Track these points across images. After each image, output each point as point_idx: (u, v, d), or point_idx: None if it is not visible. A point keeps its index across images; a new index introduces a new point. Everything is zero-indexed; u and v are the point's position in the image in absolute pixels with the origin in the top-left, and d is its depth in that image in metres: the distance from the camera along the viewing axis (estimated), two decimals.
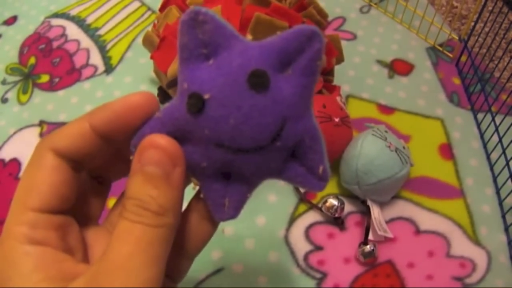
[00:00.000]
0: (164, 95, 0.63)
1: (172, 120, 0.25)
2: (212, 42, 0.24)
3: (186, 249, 0.29)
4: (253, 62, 0.23)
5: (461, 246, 0.55)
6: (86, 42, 0.78)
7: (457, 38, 0.71)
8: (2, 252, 0.23)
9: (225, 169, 0.26)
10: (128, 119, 0.25)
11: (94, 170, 0.29)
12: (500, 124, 0.60)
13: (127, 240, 0.22)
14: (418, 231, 0.56)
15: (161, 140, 0.24)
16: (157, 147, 0.24)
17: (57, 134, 0.25)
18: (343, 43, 0.63)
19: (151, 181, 0.24)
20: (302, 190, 0.58)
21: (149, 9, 0.82)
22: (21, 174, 0.63)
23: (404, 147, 0.56)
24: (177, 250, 0.28)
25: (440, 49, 0.73)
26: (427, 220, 0.57)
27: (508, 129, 0.58)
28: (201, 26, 0.23)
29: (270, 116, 0.23)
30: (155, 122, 0.26)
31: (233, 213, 0.27)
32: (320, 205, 0.56)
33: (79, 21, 0.81)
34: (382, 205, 0.57)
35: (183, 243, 0.28)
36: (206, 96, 0.23)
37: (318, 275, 0.53)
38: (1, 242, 0.24)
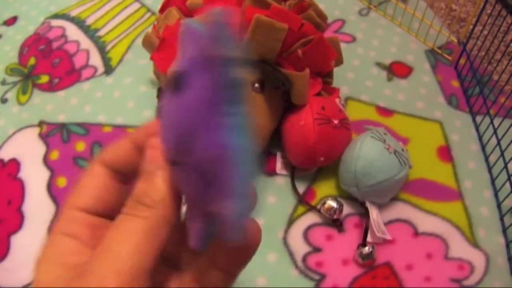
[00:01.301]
0: None
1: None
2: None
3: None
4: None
5: (459, 248, 0.55)
6: (86, 43, 0.78)
7: (456, 41, 0.72)
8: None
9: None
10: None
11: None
12: (498, 126, 0.60)
13: (117, 229, 0.24)
14: (416, 233, 0.56)
15: (153, 142, 0.26)
16: (149, 147, 0.26)
17: (107, 150, 0.28)
18: (342, 45, 0.63)
19: (144, 178, 0.25)
20: (301, 191, 0.59)
21: (149, 10, 0.83)
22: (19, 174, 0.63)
23: (403, 149, 0.56)
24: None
25: (439, 51, 0.74)
26: (425, 222, 0.57)
27: (506, 131, 0.58)
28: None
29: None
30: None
31: (197, 245, 0.25)
32: (318, 207, 0.56)
33: (79, 22, 0.81)
34: (380, 207, 0.57)
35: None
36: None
37: (317, 277, 0.53)
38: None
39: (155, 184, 0.25)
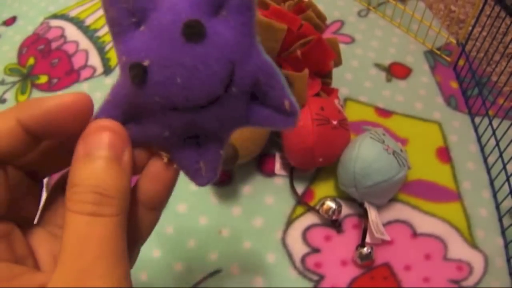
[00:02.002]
0: None
1: (121, 98, 0.24)
2: (138, 8, 0.22)
3: (146, 199, 0.26)
4: (183, 14, 0.22)
5: (458, 249, 0.55)
6: (85, 43, 0.78)
7: (455, 42, 0.72)
8: None
9: (189, 133, 0.25)
10: (60, 120, 0.23)
11: (25, 166, 0.26)
12: (497, 127, 0.60)
13: (87, 242, 0.21)
14: (415, 234, 0.56)
15: (108, 123, 0.23)
16: (106, 129, 0.23)
17: None
18: (341, 46, 0.63)
19: (102, 164, 0.22)
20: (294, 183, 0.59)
21: None
22: None
23: (401, 150, 0.56)
24: (138, 202, 0.26)
25: (438, 53, 0.74)
26: (424, 223, 0.57)
27: (505, 132, 0.58)
28: None
29: (216, 63, 0.22)
30: (106, 106, 0.24)
31: (212, 175, 0.26)
32: (317, 208, 0.56)
33: (78, 22, 0.81)
34: (379, 208, 0.57)
35: (143, 191, 0.26)
36: (145, 63, 0.22)
37: (315, 278, 0.53)
38: None
39: (119, 174, 0.22)
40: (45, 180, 0.28)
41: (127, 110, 0.24)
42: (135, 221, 0.25)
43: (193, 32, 0.22)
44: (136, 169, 0.26)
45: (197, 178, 0.26)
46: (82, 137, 0.23)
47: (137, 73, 0.22)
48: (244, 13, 0.23)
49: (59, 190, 0.27)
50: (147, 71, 0.22)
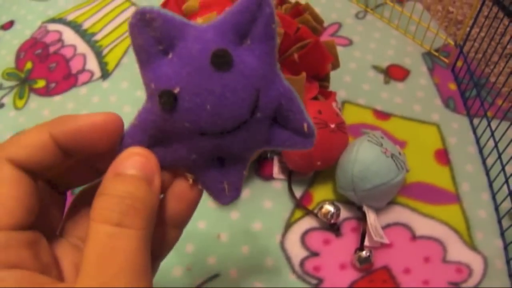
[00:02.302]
0: None
1: (150, 124, 0.25)
2: (165, 37, 0.23)
3: (170, 217, 0.27)
4: (211, 43, 0.23)
5: (457, 251, 0.55)
6: (82, 47, 0.78)
7: (452, 43, 0.72)
8: None
9: (216, 155, 0.26)
10: (90, 138, 0.24)
11: (51, 178, 0.27)
12: (496, 129, 0.60)
13: (111, 254, 0.21)
14: (414, 237, 0.56)
15: (139, 150, 0.24)
16: (138, 155, 0.24)
17: (14, 143, 0.24)
18: (339, 48, 0.63)
19: (133, 181, 0.23)
20: (298, 194, 0.59)
21: None
22: None
23: (400, 153, 0.56)
24: (162, 221, 0.27)
25: (436, 54, 0.74)
26: (423, 226, 0.57)
27: (504, 134, 0.58)
28: (150, 24, 0.23)
29: (243, 90, 0.23)
30: (134, 130, 0.25)
31: (235, 194, 0.28)
32: (316, 211, 0.56)
33: (76, 26, 0.81)
34: (378, 211, 0.57)
35: (167, 210, 0.27)
36: (176, 90, 0.23)
37: (314, 281, 0.53)
38: None
39: (147, 193, 0.23)
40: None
41: (154, 134, 0.25)
42: (158, 238, 0.26)
43: (222, 61, 0.23)
44: (161, 189, 0.26)
45: (220, 197, 0.27)
46: (116, 160, 0.24)
47: (167, 100, 0.23)
48: (267, 42, 0.24)
49: (80, 202, 0.29)
50: (177, 98, 0.23)
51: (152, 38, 0.23)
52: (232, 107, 0.23)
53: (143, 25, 0.23)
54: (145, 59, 0.24)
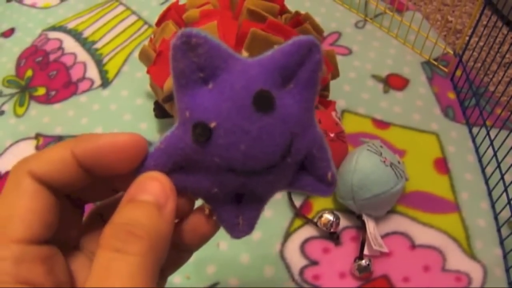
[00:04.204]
0: (160, 109, 0.63)
1: (177, 151, 0.24)
2: (208, 65, 0.23)
3: (184, 245, 0.28)
4: (255, 82, 0.22)
5: (457, 260, 0.55)
6: (82, 55, 0.78)
7: (452, 52, 0.72)
8: None
9: (236, 191, 0.26)
10: (112, 158, 0.24)
11: (72, 194, 0.27)
12: (495, 138, 0.60)
13: (108, 277, 0.21)
14: (413, 246, 0.56)
15: (157, 175, 0.24)
16: (153, 180, 0.24)
17: (37, 158, 0.23)
18: (339, 58, 0.63)
19: (143, 207, 0.23)
20: (299, 200, 0.59)
21: (145, 23, 0.83)
22: None
23: (399, 162, 0.56)
24: (175, 246, 0.27)
25: (435, 63, 0.74)
26: (422, 235, 0.57)
27: (502, 142, 0.58)
28: (195, 49, 0.22)
29: (279, 135, 0.23)
30: (159, 153, 0.25)
31: (248, 230, 0.27)
32: (315, 220, 0.56)
33: (76, 35, 0.82)
34: (377, 219, 0.57)
35: (182, 238, 0.27)
36: (212, 125, 0.22)
37: None
38: None
39: (156, 220, 0.23)
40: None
41: (179, 161, 0.25)
42: (168, 259, 0.26)
43: (264, 103, 0.22)
44: (179, 217, 0.27)
45: (233, 232, 0.27)
46: (132, 185, 0.24)
47: (202, 133, 0.23)
48: (310, 89, 0.24)
49: (95, 217, 0.29)
50: (212, 132, 0.22)
51: (195, 64, 0.23)
52: (265, 150, 0.23)
53: (187, 49, 0.22)
54: (184, 84, 0.23)
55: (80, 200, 0.28)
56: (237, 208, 0.26)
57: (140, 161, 0.25)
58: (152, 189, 0.23)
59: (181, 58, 0.23)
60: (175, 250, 0.27)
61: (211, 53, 0.23)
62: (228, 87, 0.23)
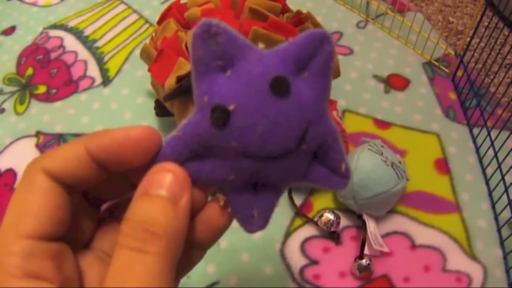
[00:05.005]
0: (161, 108, 0.63)
1: (194, 137, 0.24)
2: (226, 53, 0.23)
3: (197, 241, 0.27)
4: (272, 69, 0.23)
5: (457, 260, 0.55)
6: (83, 53, 0.78)
7: (453, 53, 0.72)
8: None
9: (252, 179, 0.26)
10: (126, 152, 0.24)
11: (86, 192, 0.27)
12: (495, 138, 0.60)
13: (127, 277, 0.21)
14: (414, 246, 0.56)
15: (171, 167, 0.24)
16: (168, 171, 0.23)
17: (50, 155, 0.23)
18: (340, 58, 0.63)
19: (158, 203, 0.23)
20: (298, 202, 0.58)
21: (147, 21, 0.83)
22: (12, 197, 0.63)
23: (400, 162, 0.56)
24: (189, 242, 0.27)
25: (436, 64, 0.74)
26: (423, 235, 0.57)
27: (503, 143, 0.58)
28: (214, 38, 0.23)
29: (296, 120, 0.24)
30: (176, 141, 0.25)
31: (263, 224, 0.27)
32: (316, 219, 0.56)
33: (77, 33, 0.82)
34: (378, 219, 0.57)
35: (196, 233, 0.27)
36: (230, 108, 0.23)
37: None
38: None
39: (172, 215, 0.22)
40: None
41: (196, 149, 0.25)
42: (181, 257, 0.26)
43: (281, 87, 0.23)
44: (193, 210, 0.26)
45: (248, 225, 0.27)
46: (145, 177, 0.24)
47: (220, 116, 0.23)
48: (323, 78, 0.24)
49: (108, 215, 0.29)
50: (230, 115, 0.23)
51: (214, 52, 0.23)
52: (282, 134, 0.23)
53: (207, 37, 0.23)
54: (202, 71, 0.24)
55: (97, 199, 0.28)
56: (253, 199, 0.26)
57: (154, 154, 0.25)
58: (166, 181, 0.23)
59: (201, 46, 0.23)
60: (188, 248, 0.27)
61: (230, 42, 0.23)
62: (246, 73, 0.23)
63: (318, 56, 0.24)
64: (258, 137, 0.23)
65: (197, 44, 0.23)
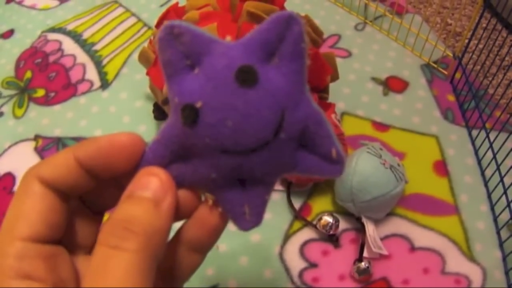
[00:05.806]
0: (159, 111, 0.63)
1: (172, 138, 0.25)
2: (193, 52, 0.23)
3: (194, 242, 0.28)
4: (237, 59, 0.23)
5: (456, 262, 0.55)
6: (82, 57, 0.78)
7: (451, 55, 0.72)
8: None
9: (237, 175, 0.25)
10: (111, 158, 0.25)
11: (87, 199, 0.28)
12: (494, 140, 0.60)
13: (103, 273, 0.21)
14: (413, 248, 0.56)
15: (155, 170, 0.25)
16: (151, 175, 0.24)
17: (44, 163, 0.25)
18: (338, 60, 0.63)
19: (140, 204, 0.23)
20: (297, 204, 0.58)
21: (145, 25, 0.83)
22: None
23: (398, 164, 0.56)
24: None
25: (435, 66, 0.74)
26: (422, 237, 0.57)
27: (502, 145, 0.58)
28: (178, 38, 0.23)
29: (267, 109, 0.23)
30: (156, 145, 0.25)
31: (256, 220, 0.27)
32: (315, 222, 0.56)
33: (76, 36, 0.82)
34: (376, 222, 0.57)
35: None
36: (198, 105, 0.23)
37: None
38: None
39: (152, 215, 0.23)
40: None
41: (176, 150, 0.25)
42: (178, 260, 0.27)
43: (246, 77, 0.23)
44: (184, 213, 0.27)
45: (240, 222, 0.27)
46: (132, 181, 0.25)
47: (189, 114, 0.23)
48: (296, 61, 0.24)
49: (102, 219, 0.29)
50: (199, 113, 0.23)
51: (180, 53, 0.23)
52: (254, 125, 0.23)
53: (172, 39, 0.23)
54: (172, 73, 0.24)
55: (97, 206, 0.29)
56: (242, 196, 0.26)
57: (139, 159, 0.26)
58: (150, 184, 0.24)
59: (167, 49, 0.23)
60: (187, 252, 0.28)
61: (195, 40, 0.23)
62: (211, 68, 0.23)
63: (286, 39, 0.23)
64: (230, 131, 0.23)
65: (163, 47, 0.24)
